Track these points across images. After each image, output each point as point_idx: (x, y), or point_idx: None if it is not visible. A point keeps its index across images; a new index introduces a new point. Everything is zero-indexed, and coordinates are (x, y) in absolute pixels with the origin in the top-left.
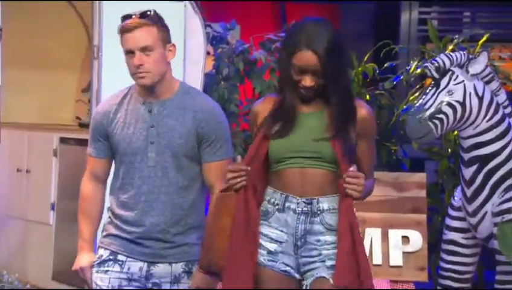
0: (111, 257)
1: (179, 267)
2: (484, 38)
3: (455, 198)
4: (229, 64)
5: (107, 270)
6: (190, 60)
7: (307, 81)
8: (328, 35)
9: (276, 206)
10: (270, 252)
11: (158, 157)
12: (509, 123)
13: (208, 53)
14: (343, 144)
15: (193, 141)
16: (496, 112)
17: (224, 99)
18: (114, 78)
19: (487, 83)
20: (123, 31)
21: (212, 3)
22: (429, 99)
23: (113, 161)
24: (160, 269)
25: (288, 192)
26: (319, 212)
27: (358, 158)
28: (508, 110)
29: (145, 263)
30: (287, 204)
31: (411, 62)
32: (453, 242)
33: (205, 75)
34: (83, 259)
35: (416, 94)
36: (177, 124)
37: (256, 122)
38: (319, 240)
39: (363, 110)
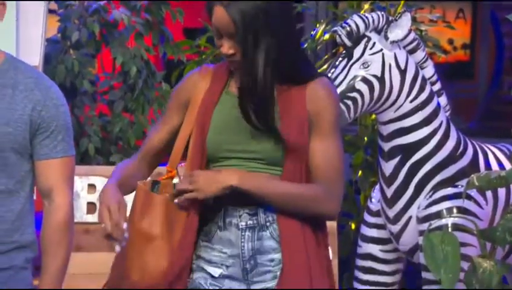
0: None
1: None
2: None
3: (372, 200)
4: (80, 27)
5: None
6: (26, 20)
7: (224, 47)
8: None
9: (217, 223)
10: (213, 277)
11: None
12: (438, 104)
13: (52, 11)
14: (292, 141)
15: (25, 130)
16: (421, 89)
17: (74, 74)
18: None
19: (411, 52)
20: None
21: None
22: (339, 73)
23: None
24: None
25: (228, 202)
26: (268, 223)
27: (310, 162)
28: (436, 87)
29: None
30: (227, 219)
31: (318, 26)
32: (369, 257)
33: (47, 41)
34: None
35: (325, 66)
36: (3, 106)
37: (185, 95)
38: (272, 260)
39: (318, 88)
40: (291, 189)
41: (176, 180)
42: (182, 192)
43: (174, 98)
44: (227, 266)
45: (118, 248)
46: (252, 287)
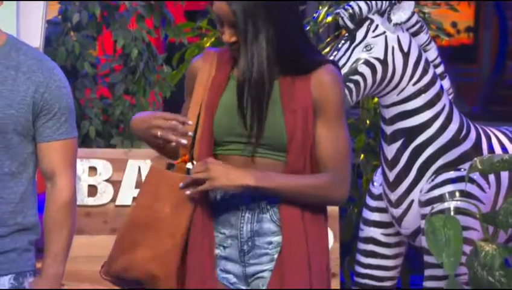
0: None
1: (5, 283)
2: None
3: (374, 184)
4: (81, 9)
5: None
6: (26, 2)
7: (226, 35)
8: None
9: (217, 204)
10: None
11: None
12: (441, 87)
13: None
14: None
15: (28, 112)
16: (425, 72)
17: (75, 56)
18: None
19: (414, 35)
20: None
21: None
22: (342, 56)
23: None
24: None
25: None
26: (268, 207)
27: (316, 148)
28: (439, 70)
29: None
30: (228, 200)
31: (320, 8)
32: (371, 240)
33: (48, 23)
34: None
35: (327, 50)
36: (5, 88)
37: (193, 84)
38: (270, 242)
39: (323, 75)
40: (301, 181)
41: (189, 165)
42: (195, 181)
43: (186, 88)
44: (224, 247)
45: (184, 141)
46: (247, 269)
